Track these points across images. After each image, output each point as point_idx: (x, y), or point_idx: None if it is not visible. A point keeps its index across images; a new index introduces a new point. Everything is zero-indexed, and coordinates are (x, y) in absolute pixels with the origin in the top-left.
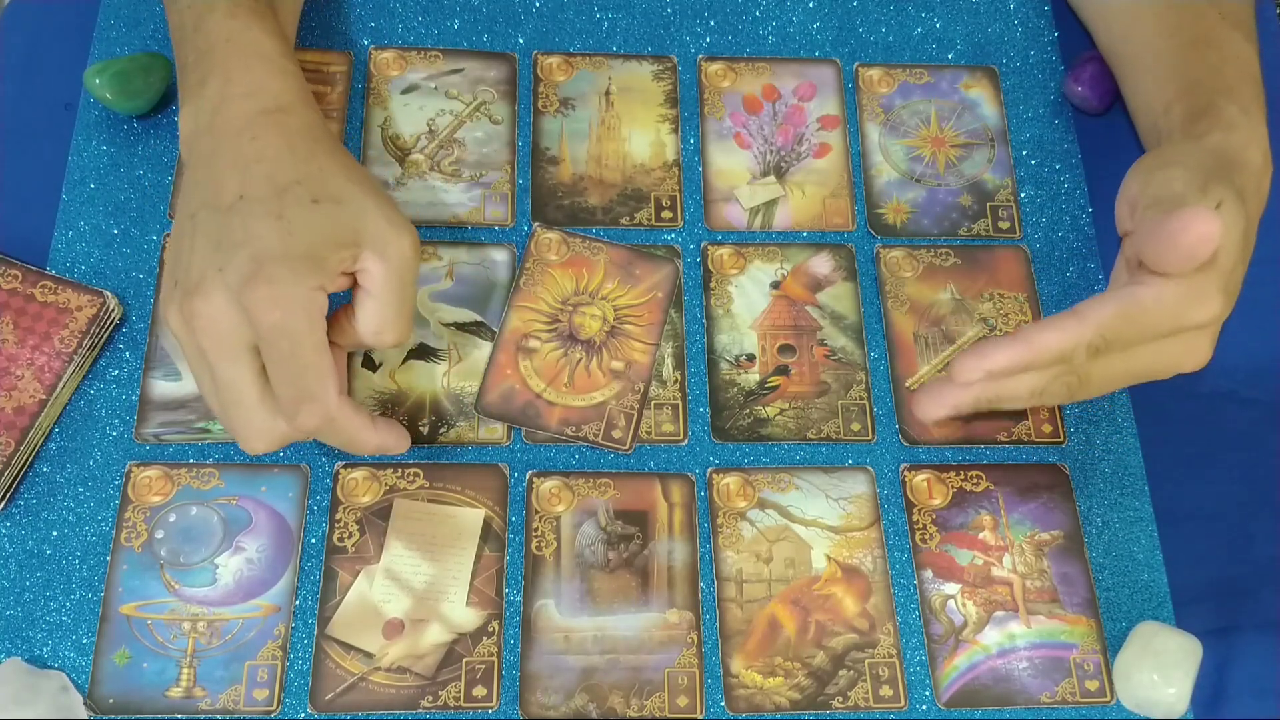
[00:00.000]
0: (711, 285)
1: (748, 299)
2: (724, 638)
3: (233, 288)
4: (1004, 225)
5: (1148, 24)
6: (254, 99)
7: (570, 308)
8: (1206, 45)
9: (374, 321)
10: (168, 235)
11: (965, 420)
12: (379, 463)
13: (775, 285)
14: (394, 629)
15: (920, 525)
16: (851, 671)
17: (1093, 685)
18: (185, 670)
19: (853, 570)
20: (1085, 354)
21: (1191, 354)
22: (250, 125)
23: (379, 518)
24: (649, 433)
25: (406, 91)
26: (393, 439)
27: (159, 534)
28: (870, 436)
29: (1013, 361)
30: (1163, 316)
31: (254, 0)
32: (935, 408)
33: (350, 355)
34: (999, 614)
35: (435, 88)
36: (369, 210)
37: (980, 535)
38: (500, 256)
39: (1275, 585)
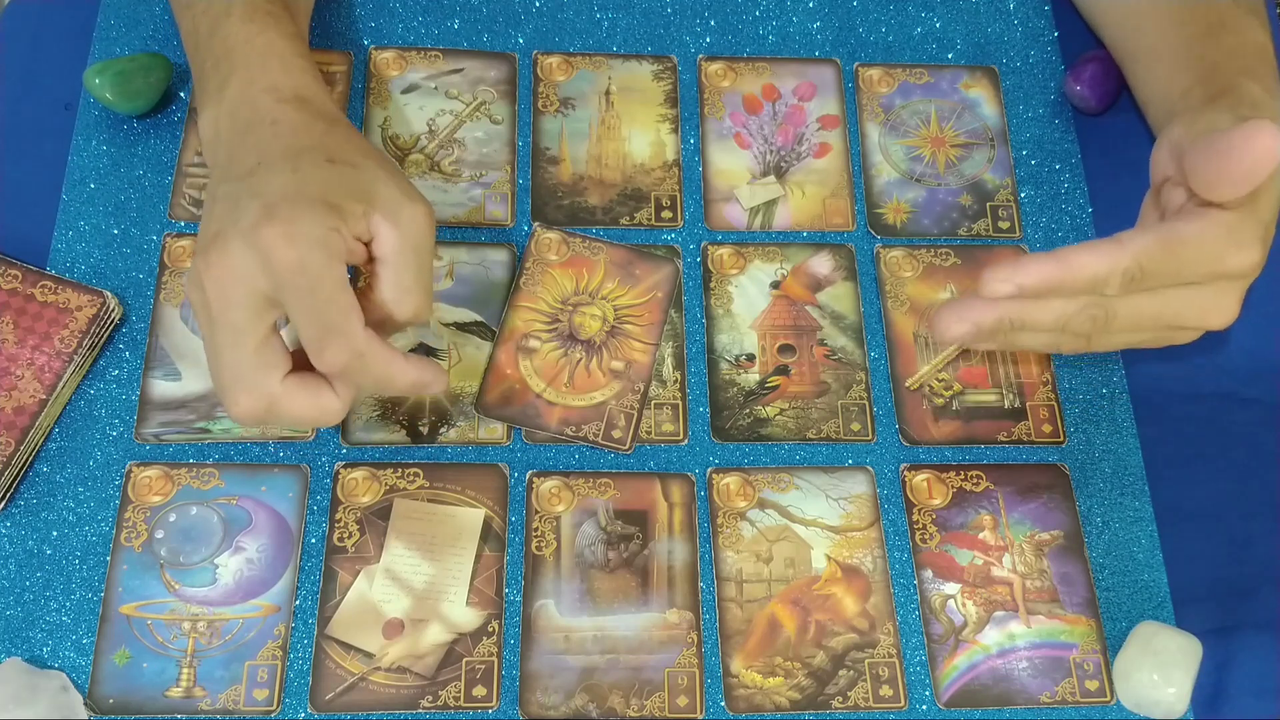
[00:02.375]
0: (711, 285)
1: (748, 299)
2: (724, 638)
3: (247, 233)
4: (1004, 225)
5: (1159, 13)
6: (274, 93)
7: (570, 307)
8: (1222, 29)
9: (390, 290)
10: (168, 235)
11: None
12: (379, 462)
13: (775, 285)
14: (394, 629)
15: (920, 525)
16: (851, 671)
17: (1093, 685)
18: (185, 670)
19: (853, 570)
20: (1120, 282)
21: (1220, 307)
22: (270, 112)
23: (379, 518)
24: (649, 433)
25: (407, 91)
26: (429, 373)
27: (159, 534)
28: (870, 436)
29: (1046, 278)
30: (1202, 254)
31: (269, 4)
32: (957, 322)
33: None
34: (999, 614)
35: (435, 87)
36: (382, 178)
37: (980, 535)
38: (500, 256)
39: (1275, 585)
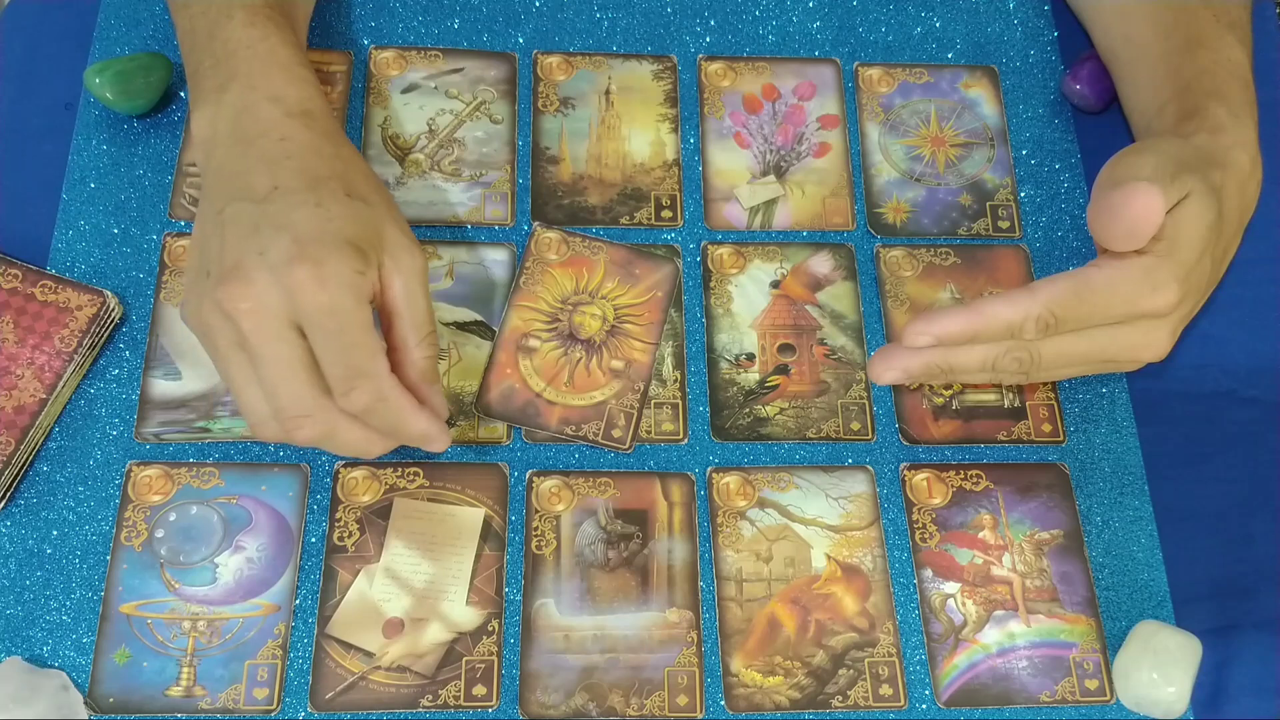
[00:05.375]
0: (711, 284)
1: (748, 298)
2: (724, 637)
3: (276, 269)
4: (1004, 225)
5: (1144, 25)
6: (279, 104)
7: (570, 307)
8: (1199, 46)
9: (400, 338)
10: (168, 235)
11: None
12: (379, 462)
13: (775, 284)
14: (394, 628)
15: (920, 524)
16: (851, 670)
17: (1092, 684)
18: (185, 669)
19: (852, 569)
20: (1034, 329)
21: (1149, 344)
22: (277, 127)
23: (379, 517)
24: (649, 432)
25: (407, 91)
26: (435, 429)
27: (159, 533)
28: (870, 436)
29: (960, 329)
30: (1114, 299)
31: (270, 9)
32: (885, 370)
33: None
34: (999, 613)
35: (435, 87)
36: (389, 219)
37: (980, 534)
38: (500, 256)
39: (1275, 585)
